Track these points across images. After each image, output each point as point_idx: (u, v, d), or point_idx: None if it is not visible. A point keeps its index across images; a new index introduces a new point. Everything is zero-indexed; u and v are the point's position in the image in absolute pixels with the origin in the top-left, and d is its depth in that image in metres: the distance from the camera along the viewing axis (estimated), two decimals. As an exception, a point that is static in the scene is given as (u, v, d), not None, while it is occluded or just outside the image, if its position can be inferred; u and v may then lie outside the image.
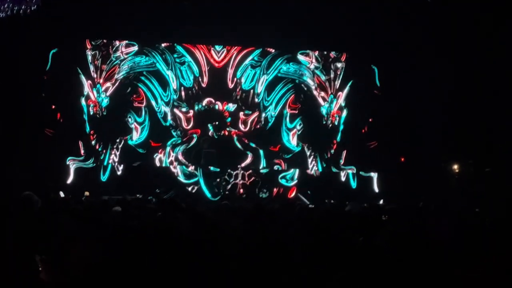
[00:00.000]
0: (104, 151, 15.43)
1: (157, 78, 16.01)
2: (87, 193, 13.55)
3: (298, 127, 16.63)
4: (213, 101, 16.05)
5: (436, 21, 13.98)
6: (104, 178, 15.19)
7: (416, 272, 3.56)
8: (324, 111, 16.82)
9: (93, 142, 15.34)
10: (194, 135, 15.93)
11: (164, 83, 16.03)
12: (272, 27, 14.89)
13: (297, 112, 16.72)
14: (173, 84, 16.04)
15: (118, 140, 15.58)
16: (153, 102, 15.94)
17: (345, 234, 4.75)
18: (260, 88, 16.43)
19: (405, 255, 3.81)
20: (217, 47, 16.27)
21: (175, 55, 16.10)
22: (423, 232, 5.43)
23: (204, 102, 16.04)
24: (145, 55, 15.98)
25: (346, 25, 14.97)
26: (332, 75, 16.90)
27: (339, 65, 16.93)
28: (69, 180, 14.79)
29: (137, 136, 15.80)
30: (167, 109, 15.95)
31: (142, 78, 15.96)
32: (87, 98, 15.50)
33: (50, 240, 4.26)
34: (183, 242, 4.24)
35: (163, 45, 16.08)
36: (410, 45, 14.83)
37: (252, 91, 16.40)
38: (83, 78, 15.45)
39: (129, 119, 15.78)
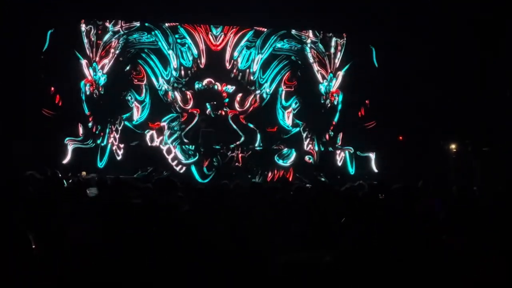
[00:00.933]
0: (102, 133, 15.34)
1: (158, 56, 15.90)
2: (84, 173, 13.57)
3: (294, 106, 16.56)
4: (213, 81, 16.02)
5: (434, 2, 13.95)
6: (101, 164, 15.09)
7: (407, 253, 3.58)
8: (322, 89, 16.74)
9: (90, 124, 15.25)
10: (195, 113, 15.89)
11: (165, 62, 15.93)
12: (265, 6, 14.83)
13: (292, 89, 16.64)
14: (174, 63, 15.96)
15: (118, 121, 15.48)
16: (154, 80, 15.84)
17: (339, 214, 4.77)
18: (256, 67, 16.36)
19: (397, 237, 3.82)
20: (215, 31, 16.17)
21: (177, 36, 15.99)
22: (415, 210, 5.49)
23: (204, 82, 15.99)
24: (147, 32, 15.86)
25: (343, 5, 14.88)
26: (332, 51, 16.78)
27: (340, 40, 16.80)
28: (66, 160, 14.71)
29: (137, 115, 15.72)
30: (168, 87, 15.86)
31: (143, 55, 15.83)
32: (83, 77, 15.36)
33: (47, 218, 4.29)
34: (182, 221, 4.26)
35: (167, 24, 15.95)
36: (408, 24, 14.73)
37: (248, 70, 16.33)
38: (79, 57, 15.29)
39: (129, 98, 15.69)
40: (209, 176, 15.20)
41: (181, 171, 15.36)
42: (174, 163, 15.47)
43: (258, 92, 16.32)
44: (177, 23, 15.97)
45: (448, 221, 4.94)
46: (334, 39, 16.81)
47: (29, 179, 6.97)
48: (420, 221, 4.52)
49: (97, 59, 15.52)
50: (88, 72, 15.40)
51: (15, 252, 3.31)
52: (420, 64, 14.89)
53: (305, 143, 16.47)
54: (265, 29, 16.37)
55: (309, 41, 16.68)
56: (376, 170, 16.04)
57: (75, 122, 15.10)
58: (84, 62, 15.35)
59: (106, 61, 15.60)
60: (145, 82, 15.78)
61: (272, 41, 16.43)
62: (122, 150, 15.32)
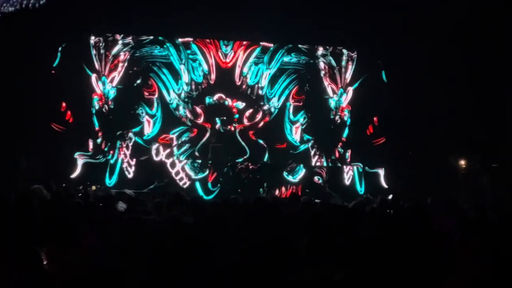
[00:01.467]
0: (112, 148, 15.25)
1: (169, 70, 15.89)
2: (94, 187, 13.59)
3: (302, 121, 16.47)
4: (224, 97, 15.99)
5: (444, 18, 13.92)
6: (111, 181, 14.95)
7: (419, 269, 3.56)
8: (332, 103, 16.64)
9: (99, 139, 15.20)
10: (207, 128, 15.83)
11: (176, 76, 15.91)
12: (274, 21, 14.78)
13: (301, 104, 16.53)
14: (185, 78, 15.94)
15: (128, 136, 15.42)
16: (165, 94, 15.80)
17: (348, 230, 4.76)
18: (264, 82, 16.30)
19: (410, 252, 3.80)
20: (224, 49, 16.16)
21: (189, 51, 16.00)
22: (430, 229, 5.45)
23: (215, 97, 15.94)
24: (159, 46, 15.87)
25: (352, 21, 14.87)
26: (343, 64, 16.66)
27: (352, 54, 16.68)
28: (76, 175, 14.58)
29: (149, 130, 15.68)
30: (179, 101, 15.84)
31: (155, 68, 15.83)
32: (93, 91, 15.33)
33: (56, 232, 4.30)
34: (188, 236, 4.25)
35: (180, 40, 15.97)
36: (418, 41, 14.73)
37: (257, 86, 16.29)
38: (88, 72, 15.26)
39: (141, 112, 15.63)
40: (213, 193, 14.97)
41: (185, 186, 15.14)
42: (177, 178, 15.30)
43: (266, 107, 16.27)
44: (190, 39, 16.00)
45: (464, 242, 4.91)
46: (345, 52, 16.69)
47: (36, 194, 7.01)
48: (435, 240, 4.48)
49: (106, 72, 15.50)
50: (97, 86, 15.38)
51: (26, 267, 3.32)
52: (430, 80, 14.86)
53: (314, 159, 16.35)
54: (273, 44, 16.34)
55: (319, 53, 16.60)
56: (385, 186, 15.88)
57: (85, 137, 15.06)
58: (93, 76, 15.33)
59: (115, 74, 15.56)
60: (156, 96, 15.74)
61: (279, 55, 16.39)
62: (132, 165, 15.22)
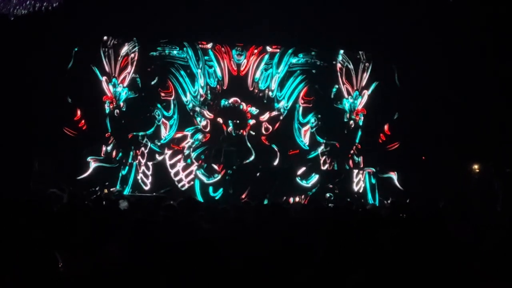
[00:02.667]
0: (125, 152, 15.15)
1: (186, 72, 15.87)
2: (106, 191, 13.63)
3: (312, 124, 16.32)
4: (239, 101, 15.96)
5: (459, 21, 13.87)
6: (126, 182, 14.92)
7: (435, 273, 3.54)
8: (347, 105, 16.47)
9: (109, 148, 15.15)
10: (221, 126, 15.76)
11: (193, 79, 15.89)
12: (290, 25, 14.78)
13: (310, 105, 16.39)
14: (201, 81, 15.91)
15: (142, 139, 15.37)
16: (182, 95, 15.80)
17: (363, 233, 4.74)
18: (274, 86, 16.23)
19: (423, 257, 3.79)
20: (236, 59, 16.10)
21: (206, 57, 15.99)
22: (445, 233, 5.42)
23: (231, 100, 15.90)
24: (179, 47, 15.90)
25: (364, 24, 14.82)
26: (361, 67, 16.52)
27: (368, 55, 16.53)
28: (88, 177, 14.51)
29: (166, 133, 15.64)
30: (194, 103, 15.82)
31: (173, 69, 15.82)
32: (103, 94, 15.27)
33: (71, 236, 4.32)
34: (203, 240, 4.26)
35: (200, 45, 15.98)
36: (431, 45, 14.69)
37: (267, 90, 16.22)
38: (98, 74, 15.19)
39: (157, 115, 15.58)
40: (214, 198, 14.66)
41: (183, 189, 15.08)
42: (176, 179, 15.26)
43: (276, 111, 16.20)
44: (209, 46, 16.02)
45: (480, 249, 4.88)
46: (361, 53, 16.55)
47: (51, 197, 7.06)
48: (453, 247, 4.46)
49: (117, 73, 15.46)
50: (107, 88, 15.33)
51: (41, 270, 3.34)
52: (443, 85, 14.81)
53: (326, 164, 16.18)
54: (286, 48, 16.27)
55: (336, 54, 16.50)
56: (398, 191, 15.74)
57: (98, 141, 15.04)
58: (103, 78, 15.27)
59: (126, 73, 15.52)
60: (173, 97, 15.70)
61: (287, 58, 16.31)
62: (148, 175, 15.15)
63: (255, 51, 16.20)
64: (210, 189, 15.02)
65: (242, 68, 16.11)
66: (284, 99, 16.28)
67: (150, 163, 15.22)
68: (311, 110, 16.39)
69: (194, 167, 15.36)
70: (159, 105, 15.59)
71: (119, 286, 3.48)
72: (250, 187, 14.50)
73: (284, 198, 14.61)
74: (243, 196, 14.07)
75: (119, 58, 15.50)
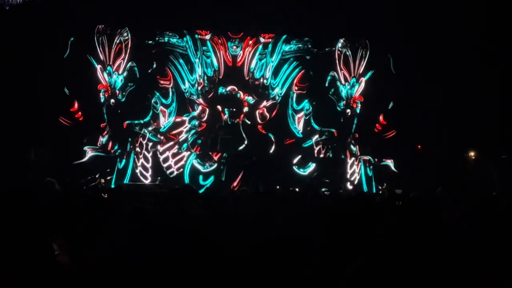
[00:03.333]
0: (121, 150, 15.00)
1: (185, 61, 15.91)
2: (102, 180, 13.61)
3: (306, 111, 16.34)
4: (236, 89, 16.00)
5: (452, 7, 13.87)
6: (122, 171, 14.77)
7: (429, 262, 3.54)
8: (343, 91, 16.45)
9: (105, 139, 15.10)
10: (219, 113, 15.81)
11: (191, 68, 15.94)
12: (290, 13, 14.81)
13: (304, 92, 16.40)
14: (199, 70, 15.96)
15: (139, 129, 15.34)
16: (180, 83, 15.83)
17: (360, 221, 4.74)
18: (268, 74, 16.26)
19: (418, 244, 3.79)
20: (231, 51, 16.14)
21: (204, 48, 16.02)
22: (439, 221, 5.43)
23: (228, 88, 15.97)
24: (179, 36, 15.91)
25: (360, 13, 14.80)
26: (359, 54, 16.48)
27: (365, 46, 16.49)
28: (84, 167, 14.42)
29: (165, 121, 15.64)
30: (193, 91, 15.86)
31: (171, 57, 15.84)
32: (98, 83, 15.23)
33: (69, 224, 4.32)
34: (199, 230, 4.25)
35: (200, 37, 16.00)
36: (425, 33, 14.66)
37: (262, 78, 16.25)
38: (93, 62, 15.16)
39: (155, 103, 15.57)
40: (203, 187, 14.58)
41: (171, 176, 15.03)
42: (166, 166, 15.20)
43: (272, 100, 16.21)
44: (207, 37, 16.04)
45: (473, 235, 4.89)
46: (358, 43, 16.52)
47: (48, 186, 7.04)
48: (444, 233, 4.46)
49: (111, 60, 15.42)
50: (102, 76, 15.29)
51: (37, 259, 3.33)
52: (439, 73, 14.79)
53: (322, 152, 16.19)
54: (282, 36, 16.31)
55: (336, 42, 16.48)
56: (394, 178, 15.74)
57: (95, 130, 15.00)
58: (98, 67, 15.22)
59: (120, 60, 15.48)
60: (171, 85, 15.70)
61: (279, 46, 16.34)
62: (143, 158, 15.12)
63: (250, 42, 16.23)
64: (200, 177, 14.97)
65: (238, 59, 16.16)
66: (278, 86, 16.31)
67: (148, 153, 15.17)
68: (305, 96, 16.40)
69: (186, 154, 15.24)
70: (157, 93, 15.59)
71: (117, 274, 3.47)
72: (242, 175, 14.54)
73: (278, 186, 14.53)
74: (235, 184, 14.09)
75: (114, 46, 15.44)
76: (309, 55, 16.39)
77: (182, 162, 15.19)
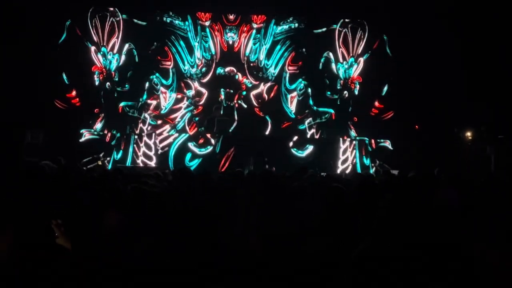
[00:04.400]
0: (120, 133, 14.69)
1: (185, 43, 15.97)
2: (99, 163, 13.57)
3: (299, 91, 16.31)
4: (235, 71, 16.03)
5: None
6: (120, 155, 14.36)
7: (424, 241, 3.56)
8: (341, 71, 16.31)
9: (99, 125, 15.03)
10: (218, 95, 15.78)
11: (190, 50, 16.04)
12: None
13: (297, 71, 16.38)
14: (197, 54, 16.04)
15: (138, 111, 15.35)
16: (180, 64, 15.93)
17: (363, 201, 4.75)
18: (262, 56, 16.31)
19: (414, 222, 3.80)
20: (226, 37, 16.20)
21: (203, 33, 16.08)
22: (434, 200, 5.46)
23: (227, 69, 16.07)
24: (181, 18, 15.94)
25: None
26: (358, 34, 16.30)
27: (362, 26, 16.30)
28: (82, 149, 14.21)
29: (165, 102, 15.65)
30: (191, 72, 15.94)
31: (172, 38, 15.89)
32: (92, 65, 15.15)
33: (67, 207, 4.32)
34: (197, 211, 4.26)
35: (200, 22, 16.07)
36: (424, 13, 14.60)
37: (257, 61, 16.32)
38: (89, 44, 15.09)
39: (156, 84, 15.57)
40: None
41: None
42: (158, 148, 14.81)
43: (269, 82, 16.27)
44: (207, 23, 16.09)
45: (466, 213, 4.91)
46: (357, 24, 16.35)
47: (45, 169, 7.03)
48: (438, 211, 4.49)
49: (105, 41, 15.32)
50: (96, 58, 15.20)
51: (39, 241, 3.34)
52: (435, 52, 14.75)
53: (314, 133, 16.17)
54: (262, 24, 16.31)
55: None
56: (392, 159, 15.68)
57: (91, 113, 14.97)
58: (92, 48, 15.16)
59: (114, 39, 15.41)
60: (171, 66, 15.77)
61: (271, 29, 16.31)
62: (143, 143, 14.83)
63: (245, 28, 16.27)
64: (187, 157, 14.45)
65: (235, 46, 16.26)
66: (272, 66, 16.32)
67: (144, 135, 14.95)
68: (299, 76, 16.37)
69: (176, 135, 14.89)
70: (157, 74, 15.68)
71: (117, 254, 3.49)
72: (234, 156, 14.25)
73: (274, 168, 14.45)
74: (225, 166, 13.90)
75: (106, 26, 15.36)
76: (302, 35, 16.32)
77: (167, 142, 14.79)
